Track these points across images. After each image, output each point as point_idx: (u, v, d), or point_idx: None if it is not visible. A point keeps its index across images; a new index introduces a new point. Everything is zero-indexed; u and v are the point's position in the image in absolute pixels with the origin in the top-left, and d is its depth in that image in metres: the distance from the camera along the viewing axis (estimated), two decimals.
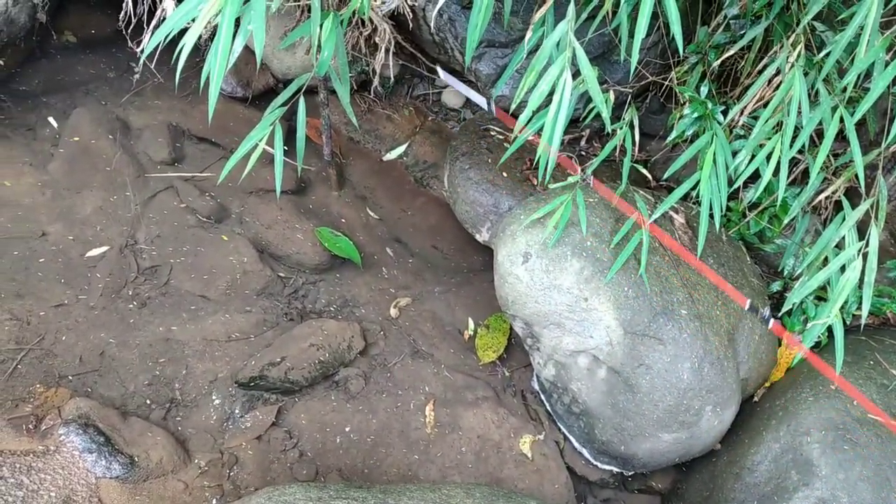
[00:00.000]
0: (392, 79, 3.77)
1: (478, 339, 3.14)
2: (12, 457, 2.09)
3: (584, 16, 2.60)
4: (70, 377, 2.46)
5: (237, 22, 1.99)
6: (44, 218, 2.90)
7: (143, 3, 3.20)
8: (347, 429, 2.67)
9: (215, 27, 2.00)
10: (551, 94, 2.15)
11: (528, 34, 2.36)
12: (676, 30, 2.15)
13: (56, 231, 2.88)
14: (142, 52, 3.05)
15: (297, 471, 2.51)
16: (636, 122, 2.93)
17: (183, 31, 2.00)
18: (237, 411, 2.59)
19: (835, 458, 2.48)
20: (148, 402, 2.50)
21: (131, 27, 3.28)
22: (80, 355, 2.54)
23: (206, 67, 2.01)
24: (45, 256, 2.78)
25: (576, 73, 2.17)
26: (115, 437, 2.26)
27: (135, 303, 2.77)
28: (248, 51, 3.29)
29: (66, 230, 2.89)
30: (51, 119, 3.25)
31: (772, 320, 1.78)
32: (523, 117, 2.18)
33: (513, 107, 2.41)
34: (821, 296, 2.91)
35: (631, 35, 2.24)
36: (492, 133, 3.49)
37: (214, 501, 2.32)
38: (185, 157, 3.36)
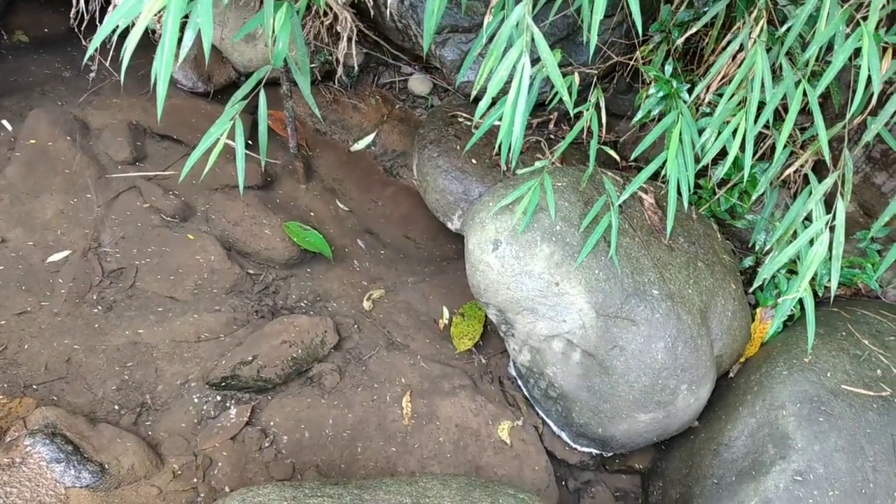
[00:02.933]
0: (356, 68, 3.72)
1: (453, 328, 3.12)
2: None
3: None
4: (35, 386, 2.41)
5: (187, 16, 1.94)
6: (2, 224, 2.83)
7: (94, 0, 3.12)
8: (323, 425, 2.64)
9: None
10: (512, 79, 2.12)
11: (488, 18, 2.33)
12: (635, 9, 2.12)
13: (16, 237, 2.81)
14: (94, 50, 2.99)
15: (273, 470, 2.48)
16: (602, 104, 2.91)
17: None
18: (210, 412, 2.56)
19: (810, 430, 2.50)
20: (117, 407, 2.46)
21: (84, 25, 3.20)
22: (45, 363, 2.48)
23: (155, 65, 1.95)
24: (5, 263, 2.71)
25: (537, 58, 2.14)
26: (83, 445, 2.21)
27: (100, 307, 2.71)
28: None
29: (26, 236, 2.82)
30: (5, 122, 3.16)
31: None
32: (483, 104, 2.15)
33: (474, 93, 2.38)
34: (793, 269, 2.92)
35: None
36: (459, 119, 3.46)
37: None
38: (146, 156, 3.29)
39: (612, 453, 2.91)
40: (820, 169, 2.88)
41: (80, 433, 2.24)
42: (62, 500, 2.07)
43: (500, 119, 2.36)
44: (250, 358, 2.65)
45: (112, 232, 2.94)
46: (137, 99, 3.46)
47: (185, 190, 3.18)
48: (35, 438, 2.13)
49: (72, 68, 3.53)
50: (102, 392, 2.48)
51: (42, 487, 2.06)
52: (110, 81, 3.46)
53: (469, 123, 3.43)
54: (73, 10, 3.12)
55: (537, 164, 2.89)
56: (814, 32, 2.43)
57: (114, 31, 1.97)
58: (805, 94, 2.45)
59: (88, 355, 2.56)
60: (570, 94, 2.75)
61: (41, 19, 3.63)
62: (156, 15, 2.04)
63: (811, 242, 2.48)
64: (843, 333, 2.80)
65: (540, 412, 2.94)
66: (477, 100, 2.50)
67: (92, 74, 3.35)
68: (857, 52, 2.32)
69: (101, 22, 3.09)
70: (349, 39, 3.46)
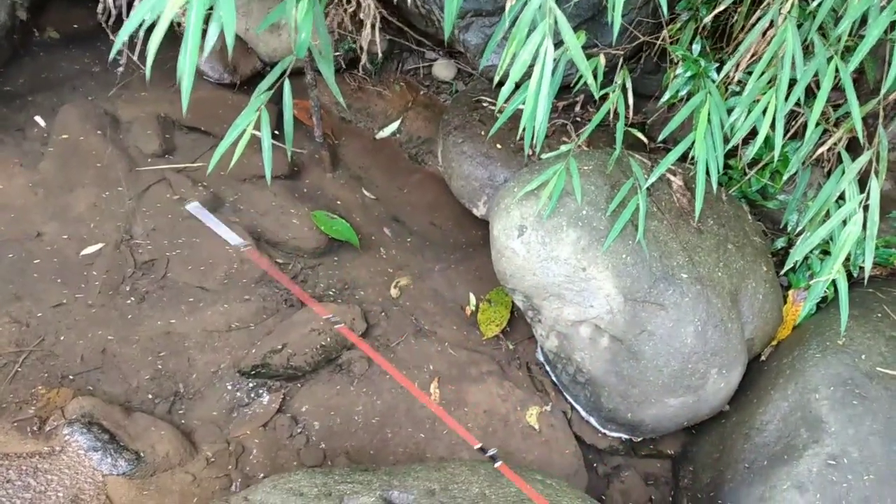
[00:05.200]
0: (380, 55, 3.71)
1: (480, 314, 3.12)
2: (18, 459, 2.10)
3: None
4: (72, 377, 2.47)
5: (212, 8, 1.95)
6: (37, 218, 2.89)
7: None
8: (353, 411, 2.67)
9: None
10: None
11: (510, 1, 2.30)
12: None
13: (51, 231, 2.87)
14: (120, 45, 3.02)
15: (304, 456, 2.52)
16: (629, 85, 2.87)
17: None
18: (242, 400, 2.60)
19: (844, 413, 2.46)
20: (151, 396, 2.51)
21: (111, 20, 3.24)
22: (81, 354, 2.55)
23: (180, 61, 1.96)
24: (41, 257, 2.78)
25: (562, 40, 2.11)
26: (119, 433, 2.27)
27: (133, 298, 2.77)
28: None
29: (60, 229, 2.88)
30: (38, 118, 3.22)
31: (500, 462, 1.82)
32: (506, 89, 2.13)
33: (496, 78, 2.36)
34: (826, 250, 2.86)
35: None
36: (484, 104, 3.44)
37: (224, 491, 2.33)
38: (175, 148, 3.33)
39: (641, 438, 2.90)
40: (854, 147, 2.80)
41: (116, 422, 2.30)
42: (100, 488, 2.13)
43: (523, 104, 2.33)
44: (280, 346, 2.68)
45: (143, 224, 2.99)
46: (165, 92, 3.50)
47: (214, 181, 3.21)
48: (73, 427, 2.19)
49: (101, 63, 3.57)
50: (137, 381, 2.53)
51: (81, 475, 2.12)
52: (138, 75, 3.50)
53: (494, 108, 3.41)
54: (101, 6, 3.16)
55: (562, 147, 2.86)
56: (846, 6, 2.36)
57: (140, 25, 1.99)
58: (837, 70, 2.38)
59: (123, 346, 2.61)
60: (595, 76, 2.71)
61: (70, 16, 3.68)
62: (181, 9, 2.05)
63: (844, 223, 2.43)
64: (879, 315, 2.74)
65: (568, 397, 2.94)
66: (501, 84, 2.48)
67: (120, 69, 3.39)
68: (893, 26, 2.25)
69: (127, 16, 3.12)
70: (372, 26, 3.45)
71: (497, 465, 1.83)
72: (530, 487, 1.85)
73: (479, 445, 1.91)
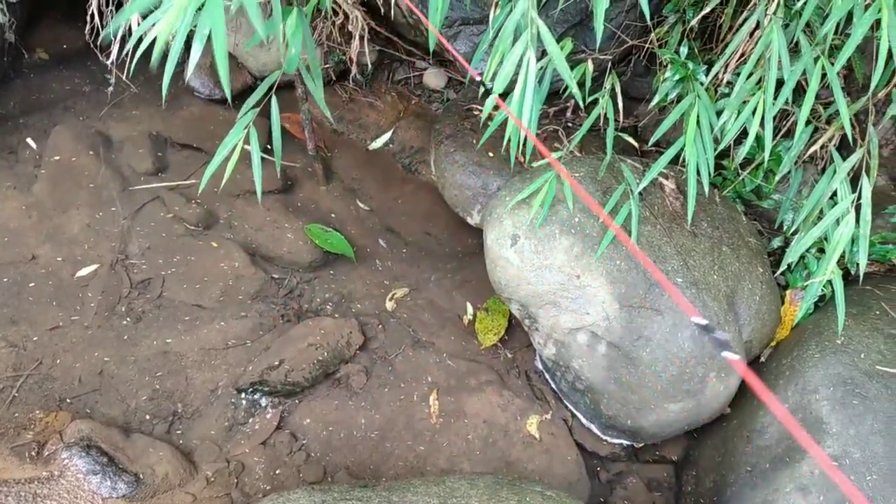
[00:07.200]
0: (370, 66, 3.71)
1: (477, 324, 3.12)
2: (17, 486, 2.10)
3: None
4: (69, 399, 2.47)
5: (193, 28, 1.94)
6: (32, 241, 2.89)
7: (108, 15, 3.16)
8: (352, 426, 2.66)
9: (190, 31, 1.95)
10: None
11: (494, 11, 2.30)
12: None
13: (45, 253, 2.87)
14: (112, 64, 3.02)
15: (304, 472, 2.51)
16: (618, 90, 2.87)
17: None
18: (240, 418, 2.59)
19: (845, 413, 2.45)
20: (149, 417, 2.50)
21: (100, 39, 3.24)
22: (78, 376, 2.54)
23: (165, 79, 1.96)
24: (36, 280, 2.78)
25: (545, 51, 2.11)
26: (118, 456, 2.26)
27: (129, 318, 2.76)
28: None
29: (55, 251, 2.88)
30: (30, 140, 3.23)
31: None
32: (490, 100, 2.13)
33: (481, 90, 2.36)
34: (823, 248, 2.85)
35: None
36: (475, 112, 3.44)
37: None
38: (168, 166, 3.33)
39: (643, 444, 2.88)
40: (847, 144, 2.80)
41: (115, 444, 2.29)
42: None
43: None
44: (277, 362, 2.68)
45: (138, 243, 2.99)
46: (156, 109, 3.50)
47: (207, 198, 3.21)
48: (71, 451, 2.19)
49: (91, 82, 3.58)
50: (135, 402, 2.53)
51: (80, 499, 2.12)
52: (129, 93, 3.51)
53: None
54: (88, 26, 3.17)
55: (553, 154, 2.86)
56: (831, 5, 2.36)
57: (133, 44, 1.99)
58: (825, 69, 2.38)
59: (120, 367, 2.61)
60: (584, 81, 2.71)
61: (60, 36, 3.69)
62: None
63: (838, 222, 2.42)
64: (877, 312, 2.73)
65: (568, 405, 2.92)
66: (487, 93, 2.48)
67: (110, 88, 3.40)
68: (878, 24, 2.24)
69: (114, 36, 3.13)
70: (361, 38, 3.46)
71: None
72: None
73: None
